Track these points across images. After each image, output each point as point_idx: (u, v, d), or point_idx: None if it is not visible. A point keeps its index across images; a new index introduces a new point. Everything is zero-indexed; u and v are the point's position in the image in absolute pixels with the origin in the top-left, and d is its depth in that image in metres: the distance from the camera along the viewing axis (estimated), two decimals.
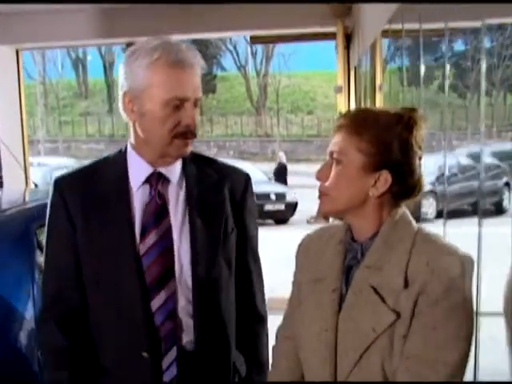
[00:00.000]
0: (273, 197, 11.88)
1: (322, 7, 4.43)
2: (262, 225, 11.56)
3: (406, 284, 1.16)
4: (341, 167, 1.23)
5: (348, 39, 4.59)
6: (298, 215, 12.02)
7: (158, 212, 1.42)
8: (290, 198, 12.13)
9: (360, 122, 1.23)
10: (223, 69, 33.21)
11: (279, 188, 12.83)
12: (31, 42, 4.98)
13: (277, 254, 7.78)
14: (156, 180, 1.43)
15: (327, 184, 1.24)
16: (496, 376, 2.69)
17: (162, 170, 1.43)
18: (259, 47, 29.41)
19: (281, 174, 14.55)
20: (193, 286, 1.42)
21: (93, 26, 4.79)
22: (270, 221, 11.76)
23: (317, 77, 30.83)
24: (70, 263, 1.41)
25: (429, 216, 10.66)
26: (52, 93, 31.13)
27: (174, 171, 1.45)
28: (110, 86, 32.20)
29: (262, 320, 1.59)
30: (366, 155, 1.21)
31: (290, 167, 17.25)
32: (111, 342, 1.42)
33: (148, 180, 1.42)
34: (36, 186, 6.16)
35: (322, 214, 1.28)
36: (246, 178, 1.55)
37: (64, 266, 1.41)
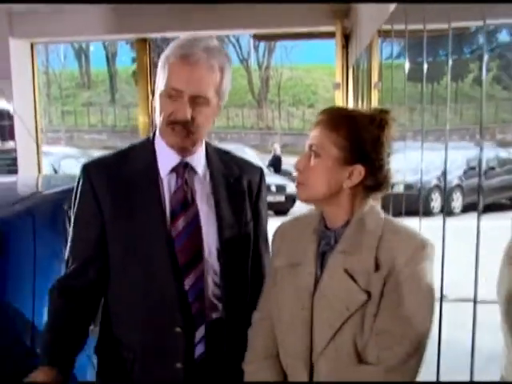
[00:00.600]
0: (273, 188, 12.01)
1: (322, 8, 4.66)
2: None
3: (377, 267, 1.26)
4: (319, 160, 1.31)
5: (346, 39, 4.81)
6: (297, 207, 12.21)
7: (185, 199, 1.47)
8: (290, 190, 12.27)
9: (337, 120, 1.32)
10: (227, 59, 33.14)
11: (280, 180, 12.94)
12: (45, 36, 5.21)
13: None
14: (183, 169, 1.49)
15: (306, 174, 1.33)
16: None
17: (189, 159, 1.50)
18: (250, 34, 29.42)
19: (276, 166, 14.72)
20: (221, 269, 1.49)
21: (103, 23, 5.02)
22: (270, 212, 11.94)
23: (318, 70, 30.75)
24: (93, 243, 1.46)
25: (455, 210, 10.66)
26: (55, 83, 31.18)
27: (200, 162, 1.52)
28: (112, 76, 32.20)
29: None
30: (341, 150, 1.30)
31: (291, 160, 17.42)
32: (143, 319, 1.45)
33: (175, 168, 1.48)
34: (56, 171, 6.38)
35: (301, 201, 1.35)
36: (261, 172, 1.65)
37: (87, 245, 1.47)
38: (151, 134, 1.54)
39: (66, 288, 1.46)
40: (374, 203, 1.37)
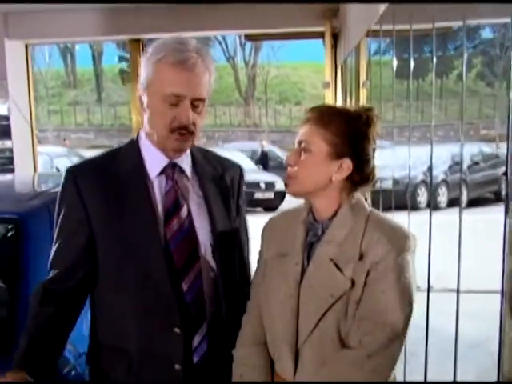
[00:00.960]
0: (262, 185, 12.11)
1: (311, 8, 4.79)
2: (252, 212, 11.89)
3: (361, 256, 1.31)
4: (309, 154, 1.36)
5: (335, 38, 4.96)
6: (286, 203, 12.34)
7: (177, 200, 1.48)
8: (278, 187, 12.38)
9: (326, 117, 1.37)
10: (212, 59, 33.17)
11: (269, 177, 13.06)
12: (39, 37, 5.29)
13: None
14: (172, 170, 1.49)
15: (296, 168, 1.37)
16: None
17: (177, 160, 1.50)
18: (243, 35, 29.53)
19: (264, 162, 14.88)
20: (217, 265, 1.50)
21: (97, 24, 5.10)
22: (259, 208, 12.05)
23: (305, 68, 30.94)
24: (79, 250, 1.43)
25: (441, 204, 10.74)
26: (40, 82, 31.05)
27: (187, 162, 1.53)
28: (98, 75, 32.14)
29: None
30: (331, 145, 1.35)
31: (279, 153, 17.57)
32: (140, 322, 1.43)
33: (164, 170, 1.48)
34: (58, 170, 6.44)
35: (291, 194, 1.39)
36: (241, 170, 1.67)
37: (73, 252, 1.43)
38: (135, 136, 1.53)
39: (49, 292, 1.41)
40: (361, 197, 1.41)
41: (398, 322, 1.28)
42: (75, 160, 10.59)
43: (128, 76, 31.34)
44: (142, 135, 1.50)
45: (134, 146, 1.51)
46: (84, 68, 33.22)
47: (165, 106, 1.39)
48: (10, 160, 6.12)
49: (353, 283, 1.31)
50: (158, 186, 1.48)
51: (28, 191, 2.30)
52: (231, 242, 1.57)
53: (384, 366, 1.30)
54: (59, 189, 1.47)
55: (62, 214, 1.45)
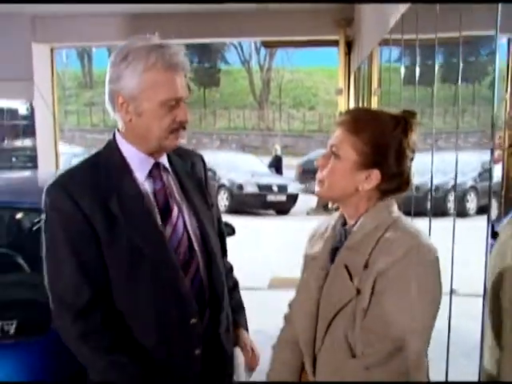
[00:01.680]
0: (275, 188, 12.25)
1: (326, 17, 4.96)
2: (264, 215, 12.02)
3: (366, 265, 1.27)
4: (337, 161, 1.32)
5: (349, 46, 5.12)
6: (298, 207, 12.45)
7: (168, 199, 1.50)
8: (291, 190, 12.50)
9: (359, 123, 1.31)
10: (227, 63, 33.29)
11: (281, 180, 13.19)
12: (65, 41, 5.53)
13: (278, 241, 8.30)
14: (157, 170, 1.50)
15: (324, 173, 1.34)
16: None
17: (160, 160, 1.52)
18: (258, 41, 29.72)
19: (277, 166, 15.01)
20: (207, 253, 1.54)
21: (119, 29, 5.32)
22: (271, 211, 12.19)
23: (319, 73, 30.95)
24: (92, 258, 1.40)
25: (470, 211, 10.73)
26: (58, 83, 31.38)
27: (165, 160, 1.55)
28: None
29: (231, 270, 1.78)
30: (360, 154, 1.29)
31: (291, 161, 17.72)
32: (158, 320, 1.45)
33: (151, 170, 1.49)
34: None
35: (318, 197, 1.42)
36: (202, 158, 1.69)
37: (92, 263, 1.40)
38: (109, 141, 1.51)
39: (89, 331, 1.39)
40: (391, 203, 1.36)
41: (400, 336, 1.22)
42: None
43: None
44: (120, 139, 1.48)
45: (113, 148, 1.48)
46: (100, 69, 33.52)
47: (163, 110, 1.41)
48: (31, 158, 6.37)
49: (358, 292, 1.27)
50: (148, 187, 1.48)
51: None
52: (213, 229, 1.60)
53: (383, 381, 1.24)
54: (47, 206, 1.40)
55: (59, 231, 1.39)
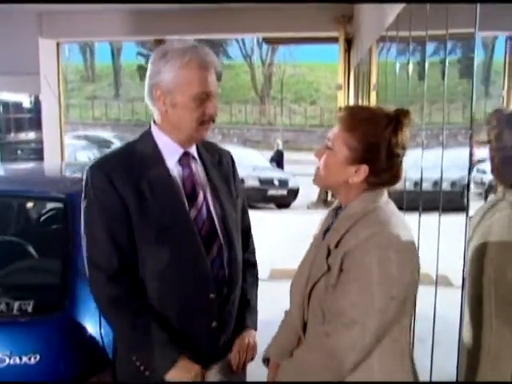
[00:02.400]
0: (276, 183, 12.29)
1: (327, 14, 5.06)
2: (265, 208, 12.10)
3: (337, 245, 1.39)
4: (330, 154, 1.43)
5: (349, 43, 5.21)
6: (298, 201, 12.53)
7: (195, 185, 1.65)
8: (292, 184, 12.57)
9: (354, 121, 1.40)
10: (229, 57, 33.13)
11: (282, 174, 13.24)
12: (71, 36, 5.64)
13: (279, 234, 8.39)
14: (186, 158, 1.65)
15: (320, 162, 1.46)
16: None
17: (190, 150, 1.67)
18: (259, 37, 29.62)
19: (278, 160, 15.08)
20: (228, 238, 1.67)
21: (125, 25, 5.42)
22: (272, 205, 12.27)
23: (321, 68, 30.86)
24: (122, 233, 1.54)
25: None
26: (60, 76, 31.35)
27: (194, 150, 1.70)
28: (117, 70, 32.48)
29: (254, 266, 1.88)
30: (351, 150, 1.39)
31: (292, 156, 17.77)
32: (180, 295, 1.58)
33: (180, 158, 1.64)
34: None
35: (314, 184, 1.48)
36: (230, 154, 1.84)
37: (122, 238, 1.54)
38: (145, 131, 1.67)
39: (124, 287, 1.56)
40: (379, 193, 1.45)
41: (352, 311, 1.32)
42: (96, 153, 10.95)
43: (146, 72, 31.42)
44: (155, 129, 1.64)
45: (148, 138, 1.64)
46: (102, 63, 33.53)
47: (196, 103, 1.56)
48: (35, 151, 6.47)
49: (329, 268, 1.38)
50: (175, 174, 1.62)
51: (70, 177, 2.61)
52: (235, 215, 1.74)
53: (340, 351, 1.34)
54: (88, 184, 1.55)
55: (97, 207, 1.56)
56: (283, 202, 12.23)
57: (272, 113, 29.09)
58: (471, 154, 1.59)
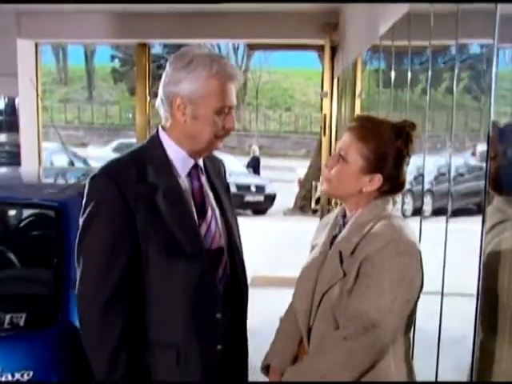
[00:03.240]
0: (253, 189, 12.33)
1: (312, 22, 5.07)
2: (242, 215, 12.08)
3: (353, 252, 1.43)
4: (345, 164, 1.47)
5: (333, 51, 5.23)
6: (274, 207, 12.55)
7: (204, 198, 1.59)
8: (269, 190, 12.60)
9: (367, 131, 1.45)
10: None
11: (259, 180, 13.27)
12: (50, 38, 5.51)
13: (257, 240, 8.37)
14: (195, 171, 1.59)
15: (332, 173, 1.49)
16: None
17: (199, 161, 1.61)
18: (241, 43, 29.73)
19: (254, 166, 15.11)
20: (233, 251, 1.64)
21: (106, 27, 5.33)
22: (248, 211, 12.26)
23: (296, 74, 31.09)
24: (125, 249, 1.44)
25: (426, 213, 11.03)
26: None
27: (201, 162, 1.64)
28: (90, 73, 32.09)
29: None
30: (365, 160, 1.45)
31: (267, 162, 17.83)
32: (187, 314, 1.50)
33: (190, 171, 1.58)
34: (73, 164, 6.62)
35: (325, 194, 1.64)
36: (223, 163, 1.81)
37: (124, 257, 1.44)
38: (153, 138, 1.58)
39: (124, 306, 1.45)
40: (385, 201, 1.50)
41: (373, 314, 1.37)
42: (69, 156, 10.72)
43: (120, 76, 31.51)
44: (165, 137, 1.55)
45: (157, 145, 1.55)
46: (75, 65, 33.09)
47: (217, 116, 1.50)
48: (10, 154, 6.27)
49: (344, 274, 1.43)
50: (185, 186, 1.56)
51: (61, 183, 2.54)
52: (238, 228, 1.71)
53: (358, 353, 1.39)
54: (93, 195, 1.45)
55: (102, 222, 1.45)
56: (260, 208, 12.26)
57: (247, 119, 29.12)
58: (487, 162, 1.60)
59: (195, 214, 1.54)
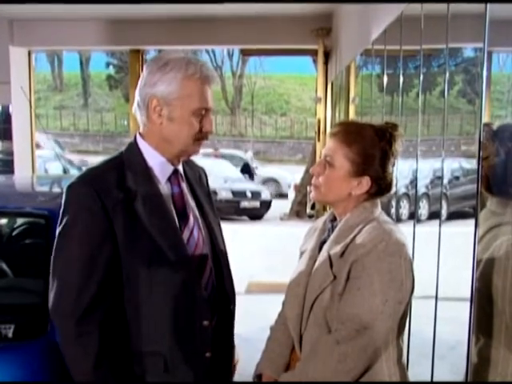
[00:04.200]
0: (249, 194, 12.32)
1: (305, 27, 5.07)
2: (238, 220, 12.05)
3: (342, 254, 1.43)
4: (332, 170, 1.48)
5: (326, 56, 5.23)
6: (271, 212, 12.53)
7: (185, 204, 1.57)
8: (264, 196, 12.59)
9: (351, 135, 1.47)
10: None
11: (255, 186, 13.27)
12: (42, 45, 5.50)
13: (253, 246, 8.35)
14: (175, 176, 1.56)
15: (320, 180, 1.50)
16: None
17: (178, 166, 1.59)
18: (236, 48, 29.80)
19: (249, 171, 15.17)
20: (218, 257, 1.61)
21: (98, 34, 5.32)
22: (244, 217, 12.23)
23: (291, 80, 31.15)
24: (108, 260, 1.41)
25: (422, 217, 11.03)
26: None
27: (181, 168, 1.61)
28: (85, 80, 32.09)
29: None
30: (352, 163, 1.46)
31: (263, 167, 17.86)
32: (172, 323, 1.47)
33: (170, 176, 1.55)
34: (66, 172, 6.60)
35: (315, 201, 1.63)
36: (205, 171, 1.78)
37: (101, 266, 1.41)
38: (134, 144, 1.55)
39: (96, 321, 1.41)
40: (374, 204, 1.52)
41: (365, 316, 1.37)
42: (65, 164, 10.71)
43: (115, 82, 31.52)
44: (143, 143, 1.53)
45: (135, 152, 1.53)
46: (71, 72, 33.09)
47: (194, 118, 1.49)
48: (3, 162, 6.25)
49: (335, 277, 1.43)
50: (166, 191, 1.53)
51: (52, 191, 2.51)
52: (221, 234, 1.68)
53: (351, 356, 1.38)
54: (70, 202, 1.42)
55: (78, 229, 1.41)
56: (256, 214, 12.23)
57: (243, 124, 29.14)
58: (479, 165, 1.60)
59: (177, 220, 1.52)
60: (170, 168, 1.55)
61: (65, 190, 1.44)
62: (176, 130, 1.49)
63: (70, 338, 1.40)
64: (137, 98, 1.52)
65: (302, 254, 1.62)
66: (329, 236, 1.53)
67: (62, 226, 1.43)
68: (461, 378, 1.85)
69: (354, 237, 1.45)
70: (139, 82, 1.52)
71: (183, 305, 1.48)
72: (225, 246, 1.67)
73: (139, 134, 1.55)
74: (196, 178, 1.68)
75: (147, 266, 1.43)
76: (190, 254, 1.51)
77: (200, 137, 1.52)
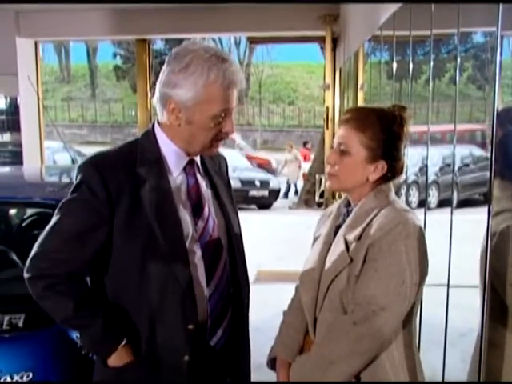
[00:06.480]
0: (257, 183, 12.27)
1: (313, 14, 5.02)
2: (247, 209, 12.05)
3: (359, 238, 1.44)
4: (348, 157, 1.48)
5: (334, 42, 5.18)
6: (279, 201, 12.52)
7: (200, 196, 1.54)
8: (273, 185, 12.56)
9: (363, 121, 1.46)
10: None
11: (263, 175, 13.23)
12: (49, 36, 5.49)
13: (262, 235, 8.35)
14: (191, 167, 1.53)
15: (336, 168, 1.50)
16: None
17: (195, 158, 1.55)
18: (243, 37, 29.64)
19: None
20: (234, 254, 1.59)
21: (105, 24, 5.30)
22: (253, 206, 12.23)
23: (298, 68, 31.02)
24: (94, 240, 1.41)
25: (431, 205, 10.89)
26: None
27: (198, 158, 1.58)
28: (93, 71, 32.11)
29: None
30: (368, 149, 1.46)
31: (271, 156, 17.82)
32: (157, 312, 1.44)
33: (185, 167, 1.52)
34: (74, 162, 6.63)
35: (331, 190, 1.62)
36: (225, 159, 1.74)
37: (91, 248, 1.41)
38: (151, 133, 1.52)
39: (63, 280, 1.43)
40: (387, 188, 1.52)
41: (381, 297, 1.38)
42: (74, 155, 10.74)
43: (123, 73, 31.49)
44: (160, 133, 1.50)
45: (151, 140, 1.50)
46: (78, 64, 33.11)
47: (213, 122, 1.44)
48: (13, 154, 6.28)
49: (351, 260, 1.43)
50: (179, 182, 1.51)
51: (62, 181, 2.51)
52: (239, 226, 1.65)
53: (367, 337, 1.38)
54: (77, 179, 1.42)
55: (79, 204, 1.42)
56: (264, 203, 12.20)
57: (250, 113, 29.06)
58: (492, 151, 1.58)
59: (191, 211, 1.49)
60: (186, 158, 1.51)
61: (75, 171, 1.46)
62: (194, 133, 1.46)
63: (44, 302, 1.45)
64: (156, 93, 1.47)
65: (315, 239, 1.63)
66: (344, 221, 1.54)
67: (64, 200, 1.44)
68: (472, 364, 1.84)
69: (371, 221, 1.45)
70: (160, 75, 1.46)
71: (170, 301, 1.43)
72: (241, 238, 1.64)
73: (157, 122, 1.52)
74: (216, 168, 1.64)
75: (140, 254, 1.41)
76: (203, 244, 1.49)
77: (220, 137, 1.48)
